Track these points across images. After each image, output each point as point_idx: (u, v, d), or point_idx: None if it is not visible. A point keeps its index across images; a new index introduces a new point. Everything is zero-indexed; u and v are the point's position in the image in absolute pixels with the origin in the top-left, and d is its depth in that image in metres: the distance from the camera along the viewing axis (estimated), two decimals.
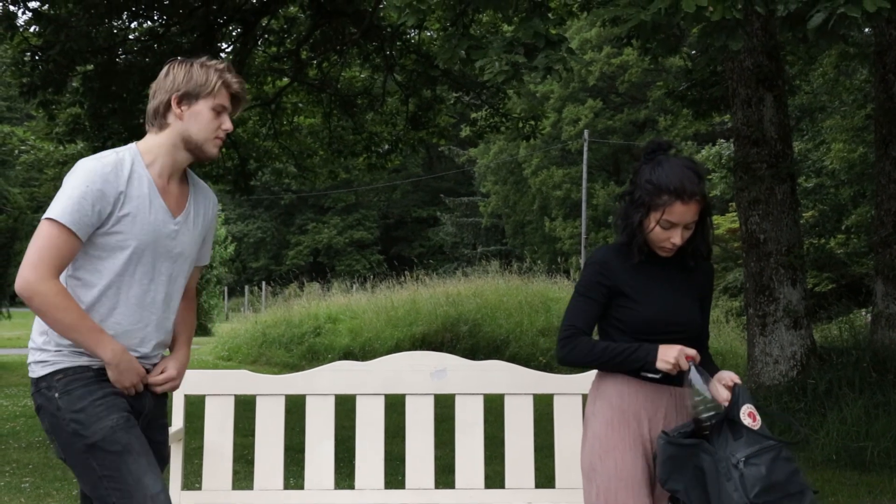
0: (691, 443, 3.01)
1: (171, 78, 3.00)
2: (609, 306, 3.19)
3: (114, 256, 2.89)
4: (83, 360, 2.89)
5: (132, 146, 3.00)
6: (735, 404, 3.03)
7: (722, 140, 22.33)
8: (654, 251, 3.17)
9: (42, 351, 2.90)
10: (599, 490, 3.12)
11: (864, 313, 14.44)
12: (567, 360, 3.17)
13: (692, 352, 3.06)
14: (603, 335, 3.24)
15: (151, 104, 3.02)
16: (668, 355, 3.05)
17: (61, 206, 2.79)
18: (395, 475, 4.84)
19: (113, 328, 2.91)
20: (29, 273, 2.77)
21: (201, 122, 3.01)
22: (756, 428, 3.00)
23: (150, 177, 2.95)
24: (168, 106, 2.99)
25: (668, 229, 3.08)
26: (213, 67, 3.03)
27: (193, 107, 2.99)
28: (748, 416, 3.00)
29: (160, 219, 2.95)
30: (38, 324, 2.91)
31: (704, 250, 3.18)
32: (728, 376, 3.10)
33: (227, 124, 3.08)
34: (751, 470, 2.91)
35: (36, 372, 2.91)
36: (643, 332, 3.15)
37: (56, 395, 2.86)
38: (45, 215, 2.81)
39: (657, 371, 3.09)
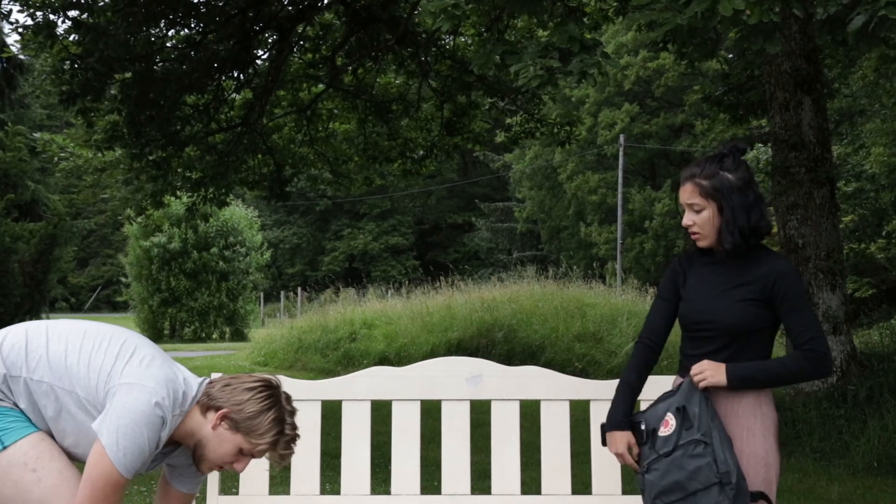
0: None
1: (244, 400, 2.96)
2: None
3: None
4: None
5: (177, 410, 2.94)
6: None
7: (760, 144, 22.15)
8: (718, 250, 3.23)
9: None
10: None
11: None
12: None
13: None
14: None
15: (222, 395, 2.99)
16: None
17: None
18: (430, 481, 4.83)
19: None
20: None
21: (222, 449, 2.97)
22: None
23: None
24: (217, 409, 2.96)
25: (685, 213, 3.20)
26: (280, 432, 2.96)
27: (229, 434, 2.96)
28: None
29: None
30: None
31: (728, 240, 3.10)
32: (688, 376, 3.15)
33: (240, 467, 3.03)
34: (651, 475, 3.06)
35: None
36: (683, 328, 3.26)
37: None
38: None
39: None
